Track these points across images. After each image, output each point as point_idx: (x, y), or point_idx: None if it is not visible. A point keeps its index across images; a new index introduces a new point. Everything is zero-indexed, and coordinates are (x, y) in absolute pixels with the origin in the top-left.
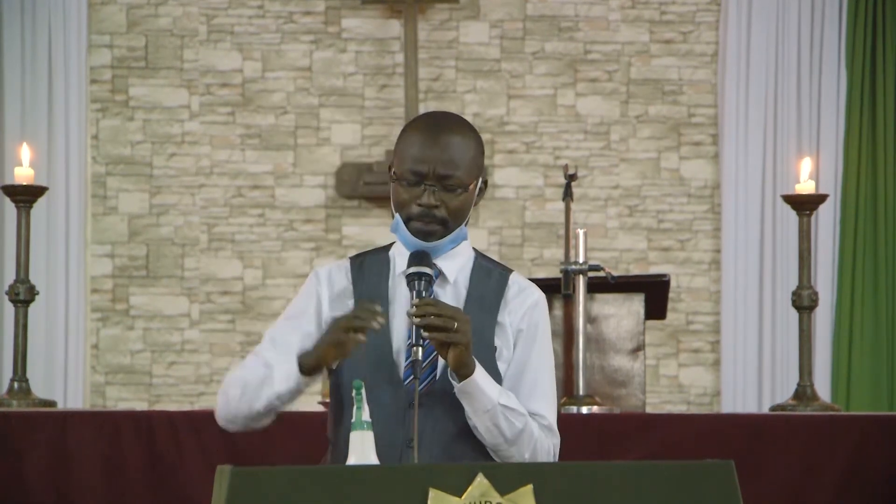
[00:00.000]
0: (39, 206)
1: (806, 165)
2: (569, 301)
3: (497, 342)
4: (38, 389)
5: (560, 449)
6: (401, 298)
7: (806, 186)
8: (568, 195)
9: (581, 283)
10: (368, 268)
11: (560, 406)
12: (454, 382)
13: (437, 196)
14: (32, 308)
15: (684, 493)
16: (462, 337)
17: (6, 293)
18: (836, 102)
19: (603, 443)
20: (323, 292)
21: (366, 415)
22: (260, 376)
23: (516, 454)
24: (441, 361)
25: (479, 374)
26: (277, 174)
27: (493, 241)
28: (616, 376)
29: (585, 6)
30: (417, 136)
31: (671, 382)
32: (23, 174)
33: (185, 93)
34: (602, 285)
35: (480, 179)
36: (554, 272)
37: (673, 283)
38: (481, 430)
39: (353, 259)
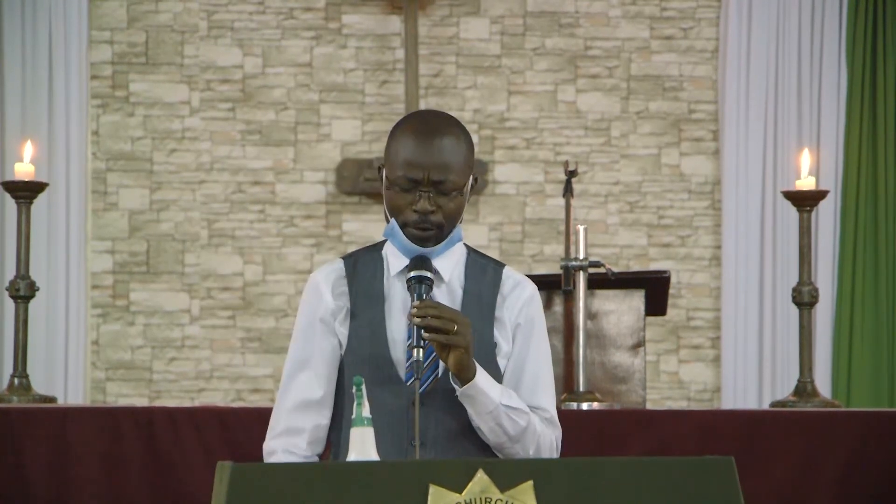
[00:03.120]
0: (40, 202)
1: (806, 158)
2: (569, 297)
3: (496, 337)
4: (39, 385)
5: (561, 442)
6: (396, 298)
7: (806, 182)
8: (568, 191)
9: (581, 279)
10: (362, 268)
11: (560, 402)
12: (456, 387)
13: (432, 201)
14: (33, 304)
15: (685, 489)
16: (462, 339)
17: (6, 289)
18: (836, 98)
19: (603, 439)
20: (326, 296)
21: (366, 411)
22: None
23: (521, 451)
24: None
25: (481, 376)
26: (278, 170)
27: (494, 237)
28: (616, 372)
29: (586, 2)
30: (410, 141)
31: (671, 378)
32: (23, 170)
33: (186, 88)
34: (602, 281)
35: (472, 178)
36: (554, 268)
37: (673, 280)
38: (485, 431)
39: (346, 259)
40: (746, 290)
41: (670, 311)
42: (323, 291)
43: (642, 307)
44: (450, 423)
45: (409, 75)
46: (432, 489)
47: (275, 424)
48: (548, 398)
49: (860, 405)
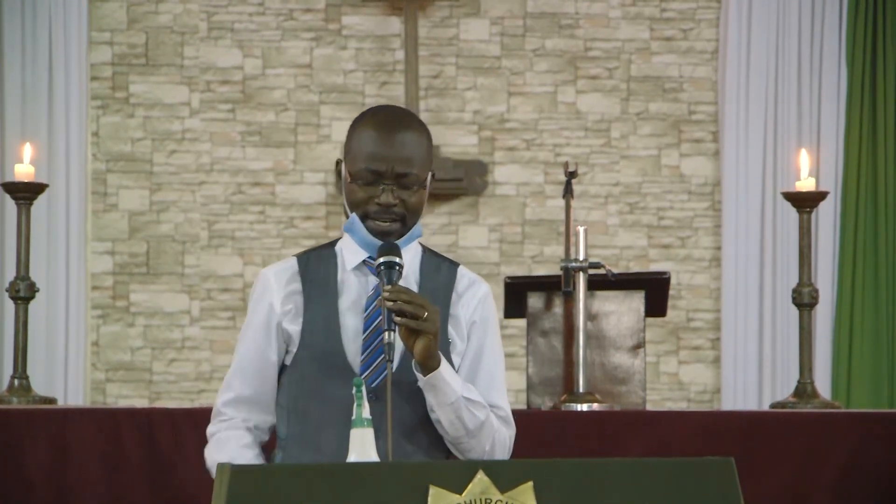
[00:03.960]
0: (40, 203)
1: (806, 159)
2: (569, 298)
3: (451, 335)
4: (39, 386)
5: (515, 442)
6: (351, 292)
7: (806, 183)
8: (568, 192)
9: (581, 280)
10: (315, 264)
11: (560, 403)
12: (419, 375)
13: (395, 194)
14: (33, 305)
15: (685, 490)
16: (431, 326)
17: (6, 290)
18: (836, 99)
19: (603, 440)
20: (274, 296)
21: (366, 412)
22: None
23: (476, 447)
24: (398, 351)
25: (445, 366)
26: (278, 171)
27: (494, 238)
28: (616, 373)
29: (586, 3)
30: (372, 134)
31: (671, 379)
32: (23, 171)
33: (186, 90)
34: (602, 282)
35: (431, 174)
36: (554, 269)
37: (673, 281)
38: (444, 423)
39: (300, 257)
40: (746, 291)
41: (670, 313)
42: (273, 290)
43: (642, 308)
44: (404, 416)
45: (409, 76)
46: (432, 490)
47: (213, 416)
48: (502, 396)
49: (860, 406)
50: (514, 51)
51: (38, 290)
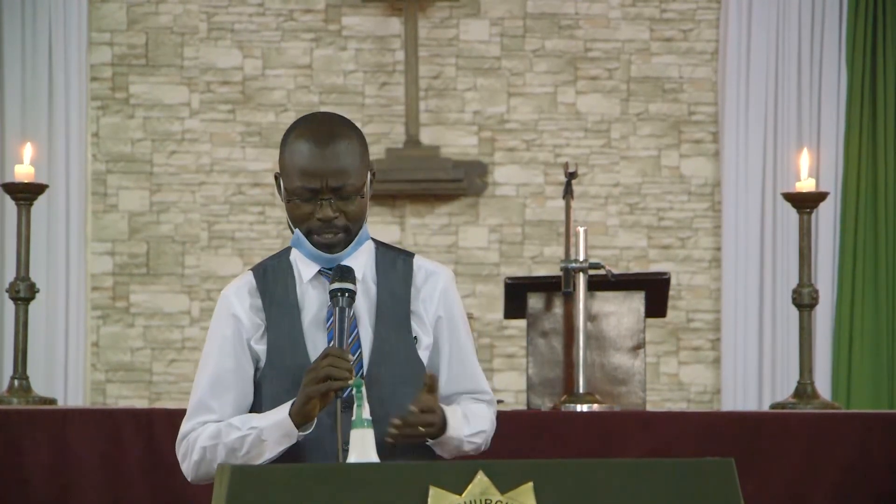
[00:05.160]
0: (40, 203)
1: (806, 159)
2: (569, 299)
3: (415, 330)
4: (39, 387)
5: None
6: (311, 306)
7: (806, 184)
8: (568, 193)
9: (581, 280)
10: (272, 278)
11: (560, 403)
12: (428, 441)
13: (334, 207)
14: (33, 306)
15: (685, 491)
16: (437, 430)
17: (6, 291)
18: (836, 99)
19: (603, 440)
20: (239, 311)
21: (366, 413)
22: (251, 442)
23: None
24: (365, 361)
25: (450, 428)
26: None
27: (494, 238)
28: (616, 374)
29: (586, 4)
30: (303, 149)
31: (671, 380)
32: (23, 172)
33: (186, 90)
34: (602, 283)
35: (370, 175)
36: (554, 270)
37: (673, 281)
38: (445, 456)
39: (256, 270)
40: (746, 291)
41: (670, 313)
42: (237, 310)
43: (642, 309)
44: (376, 421)
45: (409, 77)
46: (432, 491)
47: (189, 418)
48: (484, 380)
49: (860, 407)
50: (514, 51)
51: (38, 291)
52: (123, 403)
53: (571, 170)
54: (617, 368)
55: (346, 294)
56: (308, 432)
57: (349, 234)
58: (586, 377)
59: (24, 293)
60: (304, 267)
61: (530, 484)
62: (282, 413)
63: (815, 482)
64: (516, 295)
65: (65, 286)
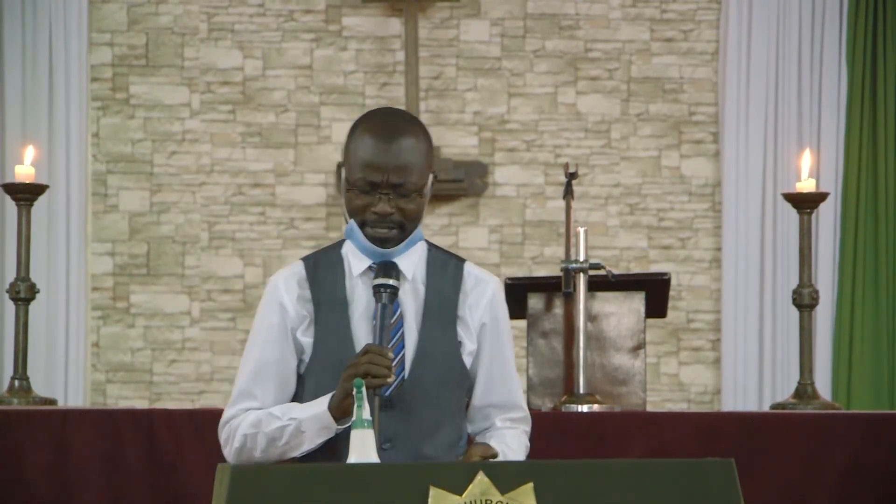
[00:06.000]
0: (40, 204)
1: (807, 158)
2: (569, 299)
3: (459, 335)
4: (39, 387)
5: (532, 443)
6: (360, 300)
7: (806, 184)
8: (568, 193)
9: (582, 281)
10: (323, 270)
11: (560, 404)
12: None
13: (392, 203)
14: (33, 306)
15: (685, 491)
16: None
17: (7, 291)
18: (836, 100)
19: (603, 441)
20: (286, 301)
21: (366, 413)
22: (290, 432)
23: None
24: (408, 362)
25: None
26: (278, 172)
27: (494, 238)
28: (617, 374)
29: (586, 4)
30: (369, 142)
31: (672, 381)
32: (23, 172)
33: (186, 91)
34: (603, 283)
35: (431, 177)
36: (554, 270)
37: (673, 282)
38: None
39: (306, 261)
40: (747, 292)
41: (670, 314)
42: (284, 299)
43: (642, 309)
44: (418, 425)
45: (410, 77)
46: (433, 491)
47: (231, 405)
48: (520, 394)
49: (860, 407)
50: (515, 52)
51: (38, 292)
52: (123, 404)
53: (572, 170)
54: (617, 369)
55: (388, 290)
56: (347, 426)
57: (403, 231)
58: (587, 377)
59: (24, 293)
60: (356, 261)
61: (530, 484)
62: (321, 406)
63: (815, 482)
64: (516, 295)
65: (65, 286)
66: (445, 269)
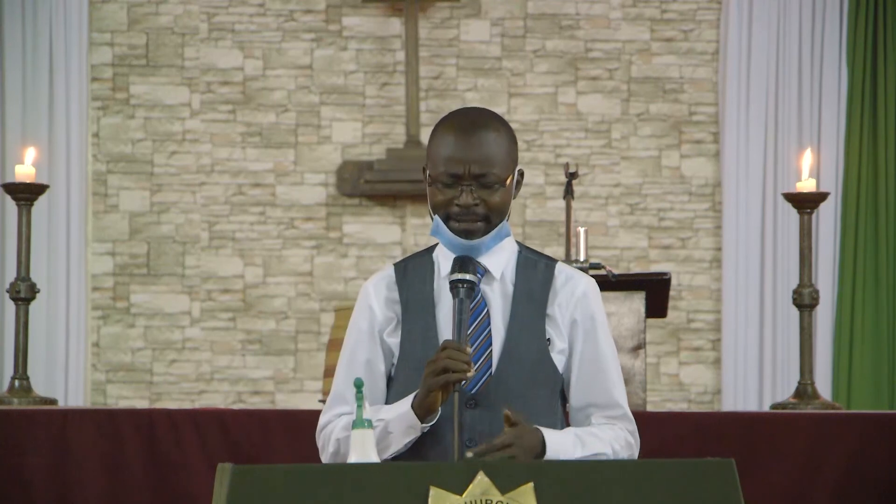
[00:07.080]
0: (40, 204)
1: (807, 159)
2: None
3: (549, 333)
4: (39, 387)
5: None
6: (446, 300)
7: (807, 184)
8: (569, 193)
9: None
10: (412, 273)
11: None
12: None
13: (475, 195)
14: (33, 306)
15: (685, 491)
16: (522, 453)
17: (7, 291)
18: (836, 100)
19: None
20: (374, 304)
21: (366, 413)
22: (378, 434)
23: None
24: (495, 359)
25: (551, 447)
26: (278, 172)
27: None
28: None
29: (586, 4)
30: (449, 137)
31: (672, 380)
32: (24, 172)
33: (186, 91)
34: (603, 283)
35: (517, 171)
36: None
37: (674, 282)
38: None
39: (397, 266)
40: (747, 292)
41: (671, 314)
42: (372, 302)
43: (643, 309)
44: (501, 422)
45: (410, 77)
46: (433, 491)
47: (326, 410)
48: (620, 393)
49: (860, 407)
50: (515, 52)
51: (38, 291)
52: (124, 404)
53: (572, 170)
54: None
55: (465, 285)
56: (432, 423)
57: (489, 223)
58: None
59: (24, 293)
60: (445, 262)
61: (531, 484)
62: (405, 405)
63: (815, 482)
64: None
65: (65, 286)
66: (536, 268)
